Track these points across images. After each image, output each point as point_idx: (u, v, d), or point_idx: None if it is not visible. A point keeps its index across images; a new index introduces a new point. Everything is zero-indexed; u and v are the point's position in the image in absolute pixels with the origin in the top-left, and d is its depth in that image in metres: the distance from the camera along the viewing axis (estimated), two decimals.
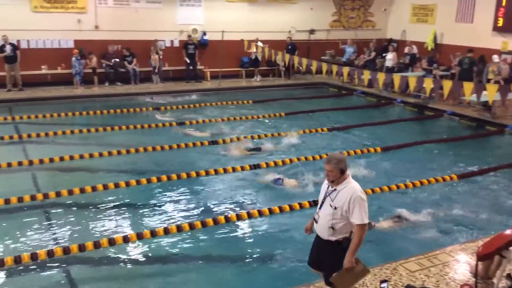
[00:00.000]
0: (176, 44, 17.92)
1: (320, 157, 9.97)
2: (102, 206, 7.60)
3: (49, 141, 10.88)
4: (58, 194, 7.85)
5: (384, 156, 10.47)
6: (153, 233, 6.67)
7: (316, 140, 11.48)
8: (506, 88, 10.33)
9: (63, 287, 5.58)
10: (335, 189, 4.44)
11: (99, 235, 6.70)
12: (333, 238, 4.47)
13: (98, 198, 7.85)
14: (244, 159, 9.83)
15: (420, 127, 13.73)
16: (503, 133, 12.70)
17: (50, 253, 6.08)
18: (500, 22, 16.47)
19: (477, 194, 8.54)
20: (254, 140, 11.16)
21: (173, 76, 17.89)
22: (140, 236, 6.58)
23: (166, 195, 8.09)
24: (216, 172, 9.06)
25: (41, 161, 9.41)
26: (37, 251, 6.10)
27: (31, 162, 9.37)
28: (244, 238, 6.77)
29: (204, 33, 18.12)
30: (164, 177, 8.64)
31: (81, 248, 6.24)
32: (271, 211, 7.45)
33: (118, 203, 7.73)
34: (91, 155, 9.80)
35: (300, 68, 17.90)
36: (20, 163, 9.29)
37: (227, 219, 7.15)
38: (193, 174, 8.87)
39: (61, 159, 9.54)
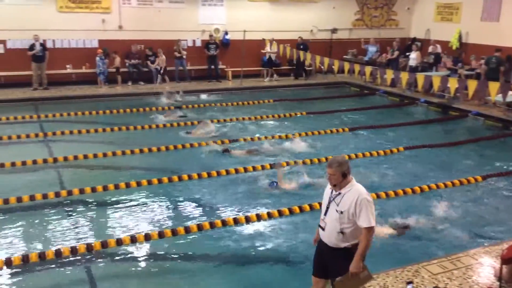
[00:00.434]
0: (198, 43, 18.03)
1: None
2: (124, 204, 7.69)
3: (74, 139, 11.07)
4: (81, 191, 7.98)
5: (407, 156, 10.33)
6: (174, 232, 6.72)
7: (337, 140, 11.40)
8: None
9: (84, 284, 5.67)
10: (339, 193, 4.34)
11: (121, 232, 6.79)
12: (342, 245, 4.34)
13: (120, 196, 7.96)
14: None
15: (444, 127, 13.51)
16: None
17: (74, 250, 6.18)
18: None
19: (502, 196, 8.37)
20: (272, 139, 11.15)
21: (195, 76, 17.97)
22: (161, 235, 6.64)
23: (187, 194, 8.14)
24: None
25: (65, 159, 9.58)
26: (61, 248, 6.21)
27: (55, 160, 9.56)
28: (268, 237, 6.77)
29: (226, 33, 18.18)
30: (185, 176, 8.70)
31: (104, 245, 6.33)
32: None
33: (140, 201, 7.82)
34: (114, 153, 9.93)
35: (322, 67, 17.88)
36: (45, 161, 9.48)
37: (248, 219, 7.17)
38: (214, 173, 8.91)
39: (85, 157, 9.70)
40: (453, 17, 19.13)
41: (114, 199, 7.87)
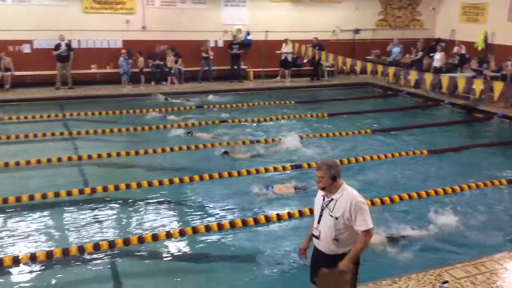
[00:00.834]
0: (220, 44, 18.10)
1: (356, 159, 9.82)
2: (146, 202, 7.78)
3: (97, 138, 11.24)
4: (105, 189, 8.10)
5: (431, 159, 10.18)
6: (195, 230, 6.76)
7: (359, 142, 11.30)
8: None
9: (107, 280, 5.75)
10: (331, 199, 4.21)
11: (143, 230, 6.87)
12: (340, 251, 4.21)
13: (143, 194, 8.05)
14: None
15: (469, 129, 13.28)
16: None
17: (96, 246, 6.28)
18: None
19: None
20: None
21: (216, 76, 18.05)
22: (182, 233, 6.69)
23: (208, 193, 8.17)
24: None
25: (89, 157, 9.74)
26: (84, 244, 6.32)
27: (80, 158, 9.72)
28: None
29: (248, 33, 18.22)
30: (206, 176, 8.74)
31: (126, 242, 6.41)
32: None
33: (162, 199, 7.90)
34: (137, 152, 10.05)
35: (344, 68, 17.77)
36: (69, 158, 9.65)
37: (267, 218, 7.17)
38: (234, 173, 8.94)
39: (109, 155, 9.84)
40: (479, 17, 18.78)
41: (136, 197, 7.96)
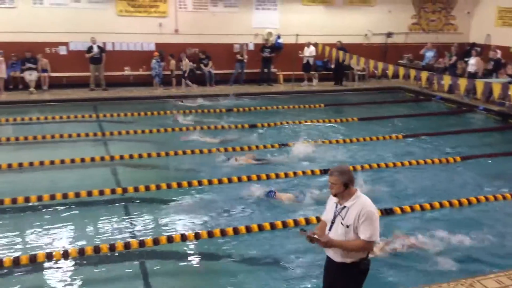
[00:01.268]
0: (251, 47, 18.17)
1: (387, 165, 9.67)
2: (175, 203, 7.87)
3: (129, 139, 11.44)
4: (136, 189, 8.24)
5: (464, 166, 9.95)
6: (223, 232, 6.80)
7: (390, 148, 11.13)
8: None
9: (137, 278, 5.85)
10: (344, 207, 4.14)
11: (172, 230, 6.95)
12: (348, 260, 4.14)
13: (172, 195, 8.15)
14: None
15: (504, 136, 12.91)
16: None
17: (127, 245, 6.39)
18: None
19: None
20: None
21: (246, 79, 18.12)
22: (210, 234, 6.74)
23: (238, 195, 8.18)
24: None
25: (121, 157, 9.93)
26: (115, 243, 6.44)
27: (112, 158, 9.93)
28: None
29: (279, 37, 18.23)
30: (234, 178, 8.78)
31: (155, 242, 6.51)
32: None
33: (191, 201, 7.97)
34: (167, 154, 10.18)
35: (376, 72, 17.57)
36: (102, 158, 9.87)
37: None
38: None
39: (140, 156, 10.00)
40: None
41: (165, 198, 8.08)
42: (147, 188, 8.27)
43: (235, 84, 17.76)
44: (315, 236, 4.10)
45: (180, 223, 7.21)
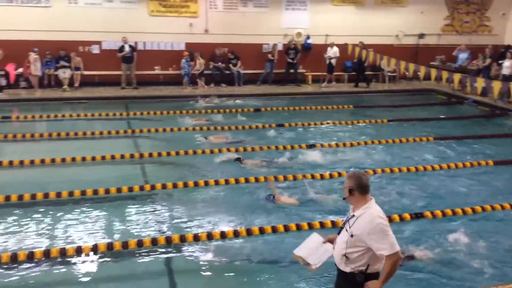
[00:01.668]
0: (280, 47, 18.14)
1: (417, 169, 9.49)
2: (201, 201, 7.93)
3: (158, 137, 11.59)
4: (164, 186, 8.33)
5: (497, 170, 9.68)
6: (249, 232, 6.80)
7: (420, 151, 10.91)
8: None
9: (162, 274, 5.92)
10: (353, 215, 3.98)
11: (198, 228, 7.00)
12: (347, 269, 3.99)
13: (199, 193, 8.21)
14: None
15: None
16: None
17: (154, 241, 6.47)
18: None
19: None
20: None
21: (274, 79, 18.09)
22: (236, 234, 6.76)
23: (266, 195, 8.18)
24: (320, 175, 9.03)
25: (150, 155, 10.06)
26: (142, 239, 6.53)
27: (141, 155, 10.07)
28: None
29: (308, 37, 18.16)
30: (261, 178, 8.77)
31: (182, 239, 6.56)
32: None
33: (218, 199, 8.02)
34: (194, 152, 10.25)
35: (406, 73, 17.31)
36: (132, 156, 10.02)
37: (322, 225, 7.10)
38: (290, 177, 8.92)
39: (168, 154, 10.12)
40: None
41: (192, 195, 8.15)
42: (175, 186, 8.36)
43: (263, 84, 17.77)
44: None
45: (206, 221, 7.24)
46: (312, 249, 4.25)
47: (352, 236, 3.93)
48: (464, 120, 14.28)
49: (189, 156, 10.13)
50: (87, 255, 6.19)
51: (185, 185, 8.41)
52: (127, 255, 6.26)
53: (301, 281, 5.74)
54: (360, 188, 3.95)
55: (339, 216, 7.15)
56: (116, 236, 6.74)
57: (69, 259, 6.10)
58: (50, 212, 7.41)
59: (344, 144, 11.07)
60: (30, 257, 6.03)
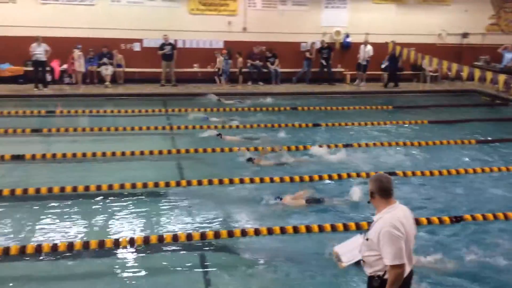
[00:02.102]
0: (318, 46, 17.99)
1: (458, 172, 9.20)
2: (236, 198, 7.97)
3: (195, 133, 11.72)
4: (199, 182, 8.41)
5: None
6: (283, 230, 6.79)
7: (461, 153, 10.59)
8: None
9: (196, 270, 5.98)
10: (374, 220, 3.96)
11: (233, 224, 7.04)
12: (367, 272, 4.01)
13: (235, 191, 8.25)
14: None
15: None
16: None
17: (189, 237, 6.56)
18: None
19: None
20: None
21: (312, 77, 17.95)
22: (270, 231, 6.75)
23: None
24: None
25: (187, 151, 10.20)
26: (178, 233, 6.63)
27: (178, 151, 10.22)
28: None
29: (347, 35, 17.93)
30: (296, 178, 8.73)
31: (216, 235, 6.62)
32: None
33: (251, 197, 8.01)
34: (230, 149, 10.29)
35: (449, 73, 16.85)
36: (169, 152, 10.19)
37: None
38: (325, 177, 8.85)
39: (204, 150, 10.21)
40: None
41: (227, 192, 8.19)
42: (210, 182, 8.43)
43: (299, 82, 17.66)
44: None
45: (241, 218, 7.28)
46: (350, 249, 4.35)
47: (367, 240, 3.92)
48: (508, 122, 13.76)
49: (225, 154, 10.18)
50: (125, 247, 6.33)
51: (220, 182, 8.47)
52: (162, 249, 6.35)
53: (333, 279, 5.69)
54: (380, 191, 3.89)
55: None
56: (153, 230, 6.86)
57: (107, 251, 6.24)
58: (90, 205, 7.61)
59: (382, 144, 10.87)
60: (70, 248, 6.22)
